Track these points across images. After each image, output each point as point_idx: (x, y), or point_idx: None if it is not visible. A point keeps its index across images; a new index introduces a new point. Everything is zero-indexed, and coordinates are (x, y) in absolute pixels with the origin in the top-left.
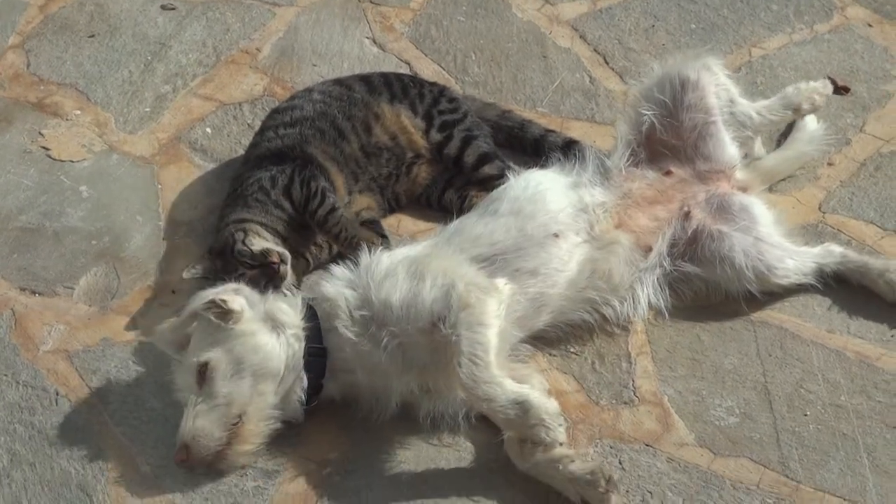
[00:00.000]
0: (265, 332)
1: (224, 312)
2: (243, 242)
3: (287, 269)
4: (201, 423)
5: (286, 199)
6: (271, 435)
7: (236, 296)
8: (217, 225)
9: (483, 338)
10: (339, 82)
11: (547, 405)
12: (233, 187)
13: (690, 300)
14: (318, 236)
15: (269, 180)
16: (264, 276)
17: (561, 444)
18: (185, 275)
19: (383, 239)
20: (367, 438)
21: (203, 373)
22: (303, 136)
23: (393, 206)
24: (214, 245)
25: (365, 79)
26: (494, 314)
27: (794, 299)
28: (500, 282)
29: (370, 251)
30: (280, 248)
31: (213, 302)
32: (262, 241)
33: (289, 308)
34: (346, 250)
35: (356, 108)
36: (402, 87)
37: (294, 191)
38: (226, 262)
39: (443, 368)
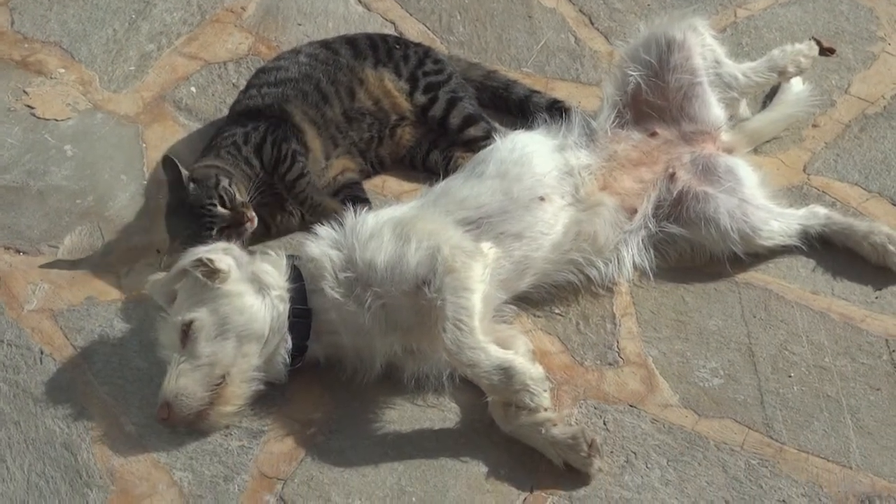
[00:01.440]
0: (251, 294)
1: (211, 271)
2: (229, 184)
3: (249, 231)
4: (184, 383)
5: (256, 158)
6: (254, 396)
7: (224, 255)
8: (191, 167)
9: (468, 303)
10: (325, 45)
11: (531, 370)
12: (210, 140)
13: (675, 262)
14: (288, 203)
15: (243, 136)
16: (228, 223)
17: (545, 409)
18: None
19: (364, 203)
20: (351, 399)
21: (187, 332)
22: (284, 97)
23: (377, 169)
24: (195, 174)
25: (351, 41)
26: (479, 279)
27: (779, 261)
28: (485, 245)
29: (355, 213)
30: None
31: (200, 260)
32: (243, 196)
33: (274, 269)
34: (311, 216)
35: (341, 72)
36: (387, 50)
37: (265, 150)
38: (203, 190)
39: (427, 330)
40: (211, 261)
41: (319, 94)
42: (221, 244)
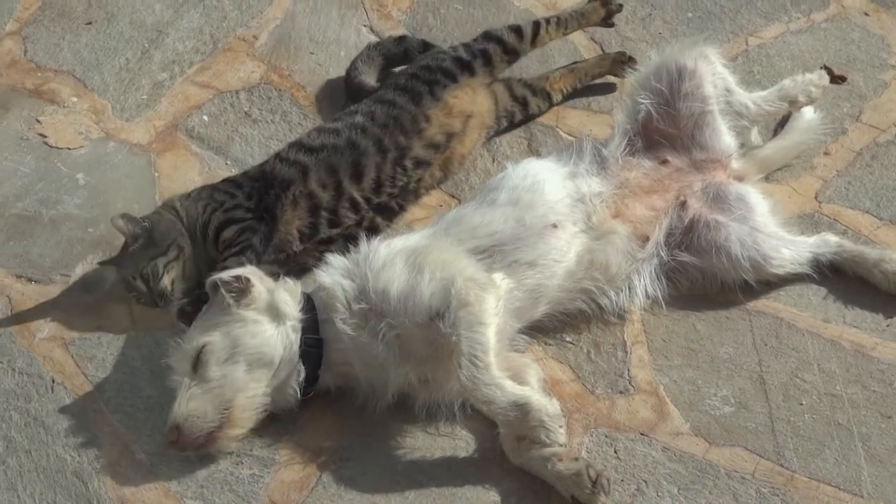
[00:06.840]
0: (267, 321)
1: (242, 292)
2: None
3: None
4: (194, 405)
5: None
6: (264, 421)
7: (258, 280)
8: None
9: (483, 337)
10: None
11: (548, 407)
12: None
13: (686, 290)
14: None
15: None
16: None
17: (561, 445)
18: None
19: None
20: (362, 427)
21: (199, 356)
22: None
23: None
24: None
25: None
26: (493, 312)
27: (790, 289)
28: (498, 277)
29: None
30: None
31: (238, 277)
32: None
33: (289, 298)
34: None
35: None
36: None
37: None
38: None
39: (441, 361)
40: (249, 281)
41: (354, 167)
42: (251, 268)
